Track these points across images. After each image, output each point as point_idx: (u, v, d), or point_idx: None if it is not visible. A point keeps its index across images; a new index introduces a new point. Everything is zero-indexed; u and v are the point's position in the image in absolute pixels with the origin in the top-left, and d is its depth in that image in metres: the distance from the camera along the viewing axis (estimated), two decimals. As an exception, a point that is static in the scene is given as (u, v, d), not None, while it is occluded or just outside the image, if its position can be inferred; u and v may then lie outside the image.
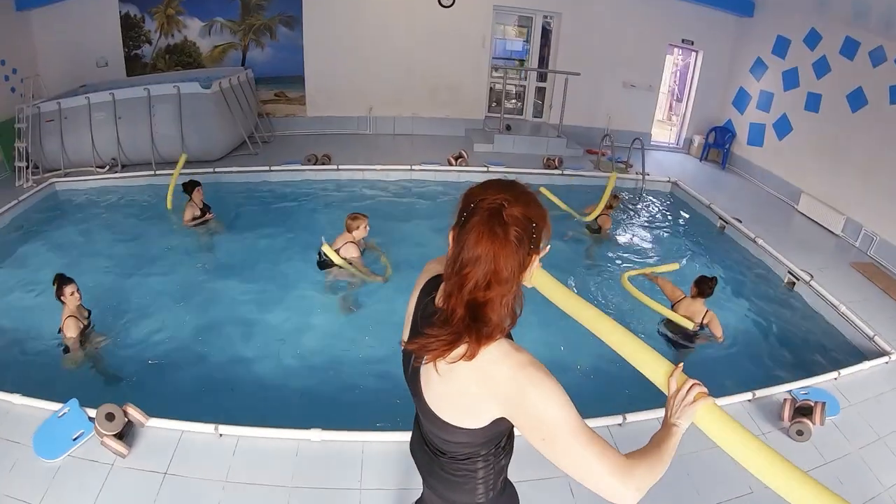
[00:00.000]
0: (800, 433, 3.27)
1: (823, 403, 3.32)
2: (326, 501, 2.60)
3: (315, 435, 2.88)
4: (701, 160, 9.12)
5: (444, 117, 9.20)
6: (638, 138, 7.65)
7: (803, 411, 3.33)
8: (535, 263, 1.18)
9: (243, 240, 5.76)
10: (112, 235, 5.90)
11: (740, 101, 8.72)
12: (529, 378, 1.10)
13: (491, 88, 9.38)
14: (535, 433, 1.12)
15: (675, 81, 10.88)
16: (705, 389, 1.30)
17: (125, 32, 8.21)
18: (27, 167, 6.84)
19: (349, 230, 4.75)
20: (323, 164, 7.30)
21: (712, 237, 6.53)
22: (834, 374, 3.83)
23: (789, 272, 5.43)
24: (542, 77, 9.40)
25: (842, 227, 6.48)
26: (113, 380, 3.87)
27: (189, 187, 5.73)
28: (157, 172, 7.00)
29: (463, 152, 7.54)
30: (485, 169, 7.33)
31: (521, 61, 9.57)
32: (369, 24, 8.50)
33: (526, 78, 9.44)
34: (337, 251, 4.64)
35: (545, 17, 8.98)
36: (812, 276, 5.19)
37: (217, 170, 7.14)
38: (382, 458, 2.82)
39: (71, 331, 3.82)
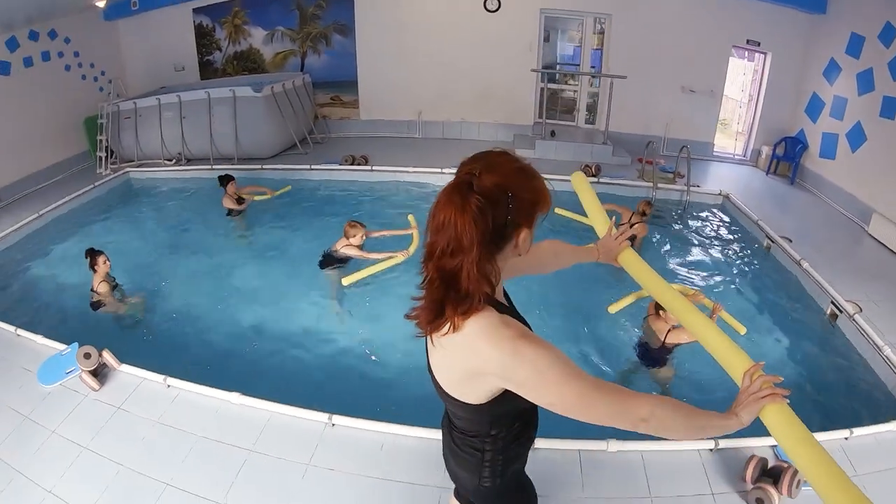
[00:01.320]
0: (759, 502, 2.73)
1: (796, 470, 2.72)
2: (219, 455, 3.01)
3: (235, 398, 3.35)
4: (767, 174, 8.55)
5: (493, 122, 9.48)
6: (685, 146, 7.48)
7: (772, 474, 2.80)
8: (524, 236, 1.20)
9: (273, 231, 6.48)
10: (168, 218, 7.01)
11: (813, 108, 7.99)
12: (515, 350, 1.12)
13: (547, 94, 9.54)
14: (541, 399, 1.16)
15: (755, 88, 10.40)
16: (782, 391, 1.29)
17: (199, 40, 9.46)
18: (107, 157, 8.12)
19: (346, 236, 5.19)
20: (359, 164, 7.91)
21: (757, 256, 6.13)
22: (844, 433, 3.18)
23: (832, 302, 4.82)
24: (595, 82, 9.44)
25: (917, 253, 5.69)
26: (120, 330, 4.72)
27: (224, 181, 6.53)
28: (214, 167, 7.96)
29: (494, 156, 7.81)
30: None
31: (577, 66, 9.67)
32: (417, 30, 9.04)
33: (577, 83, 9.52)
34: (334, 252, 5.18)
35: (597, 19, 9.03)
36: (860, 310, 4.55)
37: (264, 167, 8.00)
38: (283, 429, 3.16)
39: (105, 289, 4.71)
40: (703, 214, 7.29)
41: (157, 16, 9.14)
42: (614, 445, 2.99)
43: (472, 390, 1.25)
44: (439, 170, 7.71)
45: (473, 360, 1.18)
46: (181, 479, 2.83)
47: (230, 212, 6.54)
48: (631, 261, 1.83)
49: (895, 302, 4.89)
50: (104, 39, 8.90)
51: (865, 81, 6.92)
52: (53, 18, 7.62)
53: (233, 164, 8.01)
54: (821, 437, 3.11)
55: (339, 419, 3.13)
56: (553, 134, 8.84)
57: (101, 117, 8.01)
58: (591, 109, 9.69)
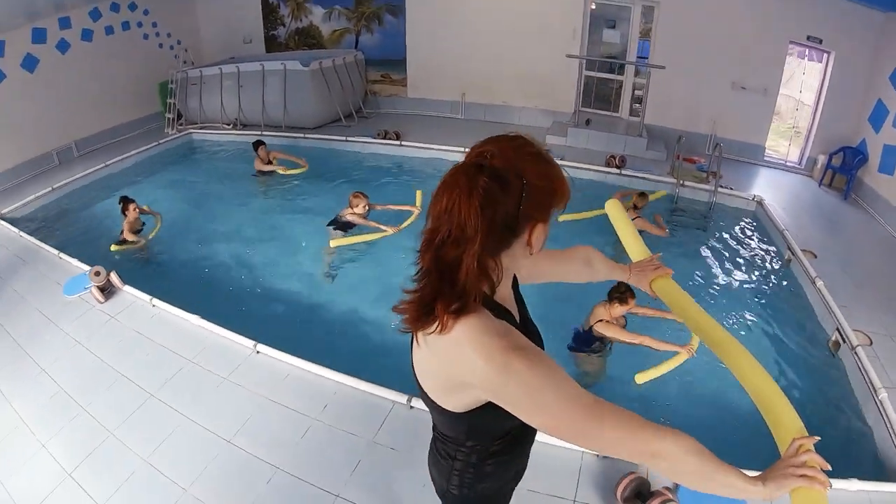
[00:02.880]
0: None
1: (669, 500, 2.67)
2: (166, 360, 3.84)
3: (195, 319, 4.20)
4: (820, 185, 8.15)
5: (535, 108, 9.84)
6: (719, 144, 7.41)
7: (645, 497, 2.74)
8: (538, 232, 1.13)
9: (295, 192, 7.40)
10: (213, 174, 8.21)
11: (877, 116, 7.43)
12: (506, 364, 1.03)
13: (591, 83, 9.75)
14: (531, 421, 1.09)
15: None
16: (825, 479, 1.14)
17: (265, 16, 10.62)
18: (174, 119, 9.44)
19: (350, 205, 5.87)
20: (390, 139, 8.66)
21: (776, 270, 5.95)
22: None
23: (837, 329, 4.44)
24: (639, 73, 9.42)
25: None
26: (139, 261, 5.82)
27: (255, 146, 7.49)
28: (264, 133, 8.98)
29: (519, 140, 8.24)
30: (536, 158, 7.94)
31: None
32: (464, 12, 9.54)
33: (622, 73, 9.62)
34: (340, 217, 5.90)
35: (645, 8, 9.05)
36: (870, 342, 4.20)
37: (307, 136, 8.96)
38: (219, 348, 3.93)
39: (129, 233, 5.78)
40: (732, 219, 7.14)
41: (230, -9, 10.38)
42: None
43: (454, 398, 1.20)
44: (462, 149, 8.21)
45: (459, 367, 1.10)
46: (132, 373, 3.71)
47: (259, 173, 7.52)
48: (669, 289, 1.68)
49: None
50: (182, 12, 10.27)
51: (931, 88, 6.34)
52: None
53: (280, 132, 9.04)
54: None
55: (262, 347, 3.86)
56: (588, 123, 9.08)
57: (172, 83, 9.32)
58: (640, 101, 9.77)
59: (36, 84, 7.95)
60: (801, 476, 1.14)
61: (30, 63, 7.86)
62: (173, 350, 3.94)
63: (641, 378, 3.75)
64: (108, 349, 4.00)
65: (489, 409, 1.14)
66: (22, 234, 5.93)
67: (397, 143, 8.62)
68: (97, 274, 4.56)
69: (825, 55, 8.47)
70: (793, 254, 5.82)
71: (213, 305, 4.74)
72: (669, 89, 8.59)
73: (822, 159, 8.28)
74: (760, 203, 7.21)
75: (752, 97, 8.71)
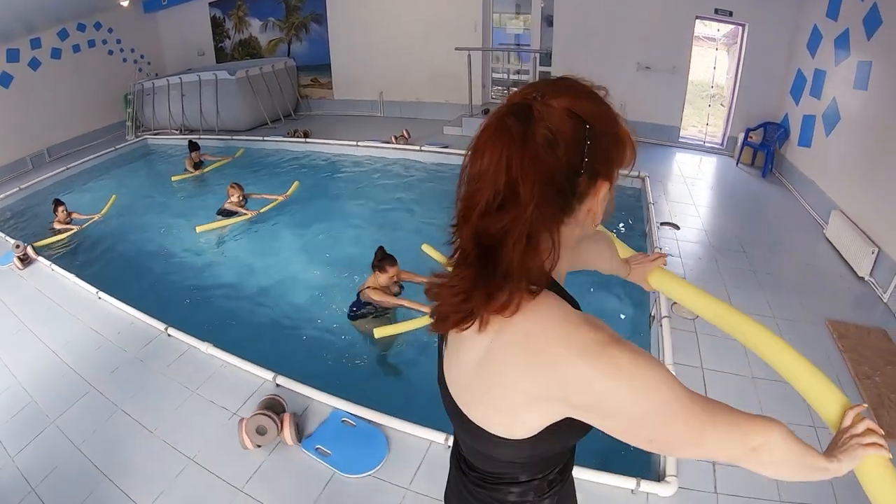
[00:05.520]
0: (262, 432, 3.19)
1: (292, 415, 3.33)
2: (58, 315, 5.86)
3: (72, 277, 6.23)
4: (737, 163, 8.44)
5: (445, 102, 11.41)
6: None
7: (276, 409, 3.43)
8: (604, 194, 0.94)
9: (212, 185, 9.44)
10: (152, 172, 10.27)
11: (797, 88, 7.52)
12: (614, 364, 0.81)
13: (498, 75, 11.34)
14: (636, 438, 0.87)
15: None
16: (883, 443, 1.15)
17: (214, 30, 12.72)
18: (134, 126, 11.72)
19: (228, 196, 7.81)
20: (299, 137, 10.62)
21: (634, 244, 6.44)
22: (631, 483, 3.00)
23: (656, 301, 4.64)
24: (545, 61, 10.43)
25: (870, 267, 5.07)
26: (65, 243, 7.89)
27: (190, 145, 9.55)
28: (202, 136, 11.08)
29: (405, 131, 9.99)
30: (417, 148, 9.62)
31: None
32: (378, 14, 11.20)
33: (531, 62, 10.49)
34: (223, 207, 7.89)
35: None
36: (696, 317, 4.26)
37: (234, 138, 11.01)
38: (93, 306, 5.99)
39: (57, 227, 7.85)
40: (616, 196, 8.17)
41: (184, 9, 12.59)
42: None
43: (521, 419, 0.92)
44: (354, 143, 10.12)
45: (539, 374, 0.85)
46: (23, 315, 5.74)
47: (186, 170, 9.55)
48: (664, 280, 1.68)
49: (792, 320, 4.63)
50: (144, 29, 12.55)
51: (842, 46, 6.34)
52: (97, 13, 11.24)
53: (215, 135, 11.15)
54: (600, 478, 3.04)
55: (103, 294, 5.76)
56: (486, 112, 10.63)
57: (130, 94, 11.59)
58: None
59: (10, 98, 10.16)
60: (869, 445, 1.14)
61: (4, 80, 10.09)
62: (52, 298, 5.99)
63: (380, 333, 4.48)
64: (16, 301, 6.08)
65: (559, 427, 0.92)
66: (-20, 222, 8.21)
67: (302, 140, 10.57)
68: (17, 247, 6.70)
69: (739, 28, 8.61)
70: (651, 227, 6.32)
71: (105, 274, 6.86)
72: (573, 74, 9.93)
73: (740, 137, 8.51)
74: (644, 180, 7.70)
75: (660, 77, 9.19)
